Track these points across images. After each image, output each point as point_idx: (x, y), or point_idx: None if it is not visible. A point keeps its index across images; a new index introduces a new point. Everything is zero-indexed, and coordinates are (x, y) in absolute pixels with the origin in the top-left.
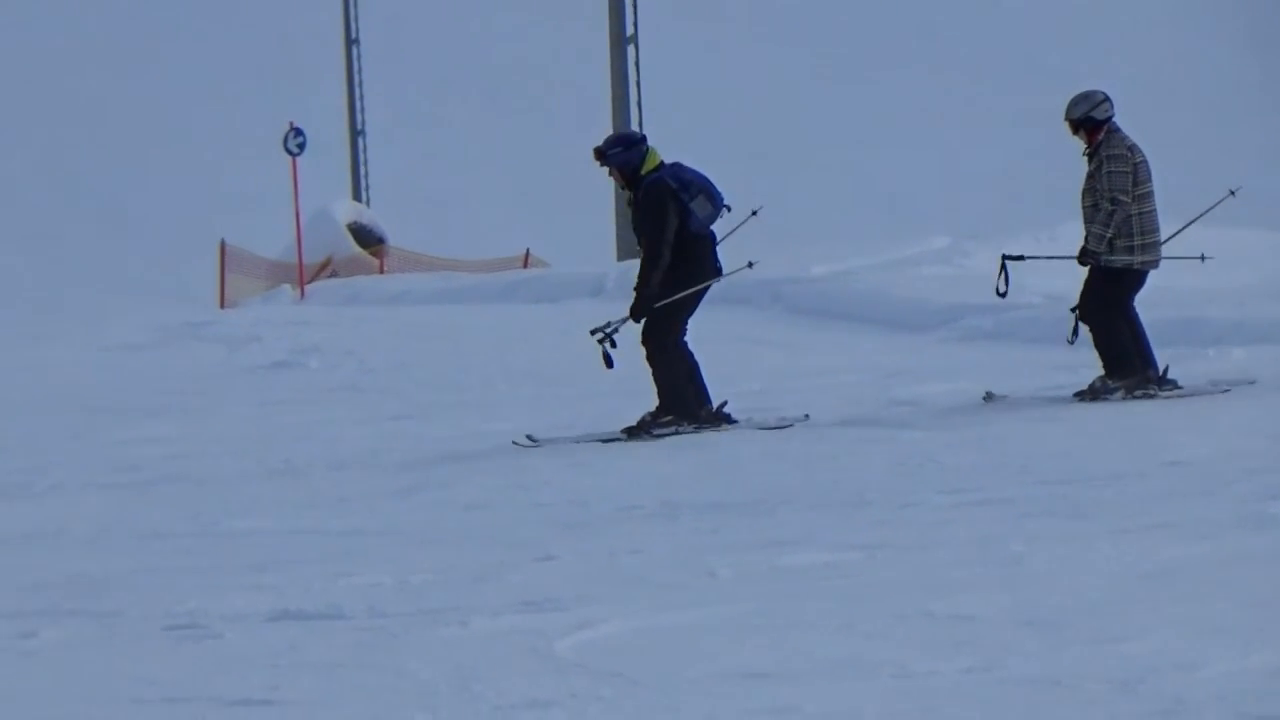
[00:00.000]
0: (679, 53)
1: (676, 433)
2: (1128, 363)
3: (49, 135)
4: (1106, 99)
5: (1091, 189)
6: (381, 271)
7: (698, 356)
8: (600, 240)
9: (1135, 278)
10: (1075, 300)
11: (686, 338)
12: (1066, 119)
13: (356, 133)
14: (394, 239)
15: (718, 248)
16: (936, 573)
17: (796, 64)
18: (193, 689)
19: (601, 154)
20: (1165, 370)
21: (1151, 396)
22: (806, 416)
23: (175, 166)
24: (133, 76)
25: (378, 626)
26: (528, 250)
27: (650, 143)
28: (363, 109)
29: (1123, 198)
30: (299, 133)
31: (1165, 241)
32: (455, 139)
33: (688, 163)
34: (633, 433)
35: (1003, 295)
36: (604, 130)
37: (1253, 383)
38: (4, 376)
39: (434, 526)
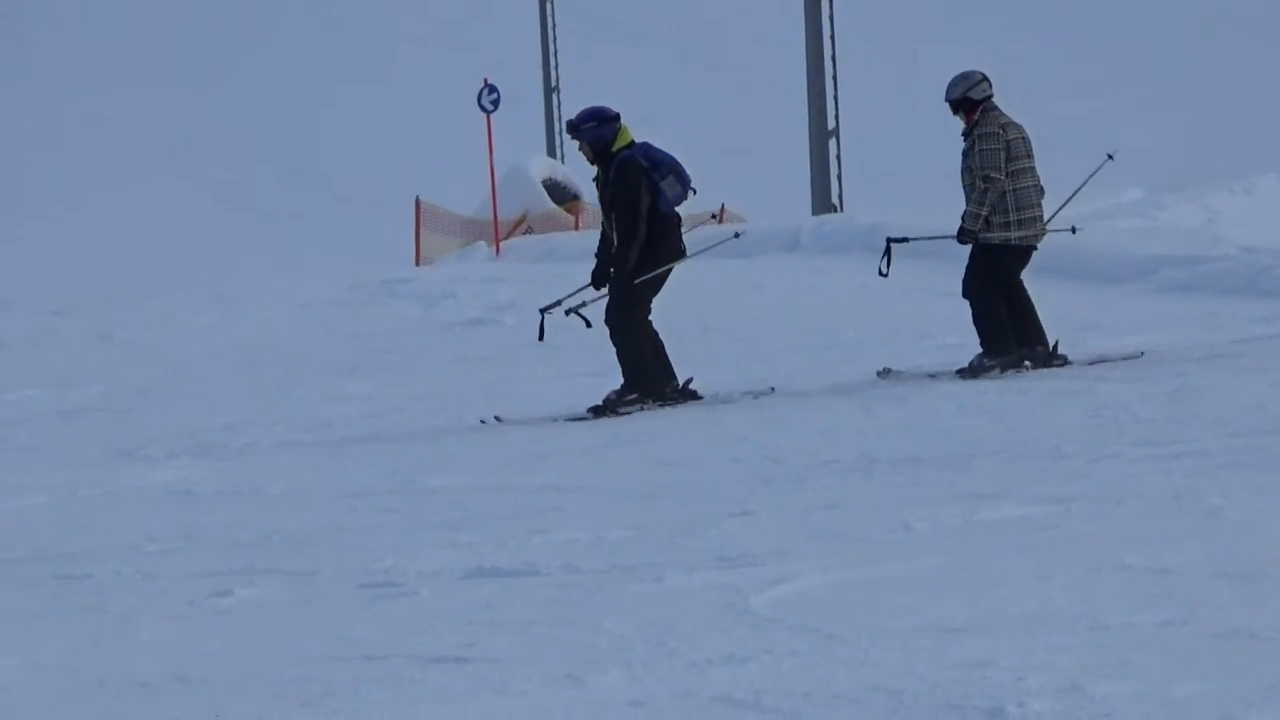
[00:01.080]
0: (876, 9)
1: (641, 410)
2: (1003, 340)
3: (247, 91)
4: (984, 79)
5: (968, 168)
6: (577, 228)
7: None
8: (795, 195)
9: (1015, 254)
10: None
11: (651, 316)
12: (946, 100)
13: (551, 89)
14: (588, 195)
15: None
16: (1132, 525)
17: (990, 11)
18: (389, 647)
19: (574, 127)
20: (1055, 345)
21: (1021, 370)
22: (772, 389)
23: (371, 124)
24: (330, 32)
25: (573, 583)
26: (723, 205)
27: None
28: (557, 65)
29: (994, 174)
30: (493, 89)
31: (1050, 218)
32: (649, 93)
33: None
34: (599, 411)
35: (884, 275)
36: (799, 85)
37: (1140, 355)
38: (202, 335)
39: (629, 482)
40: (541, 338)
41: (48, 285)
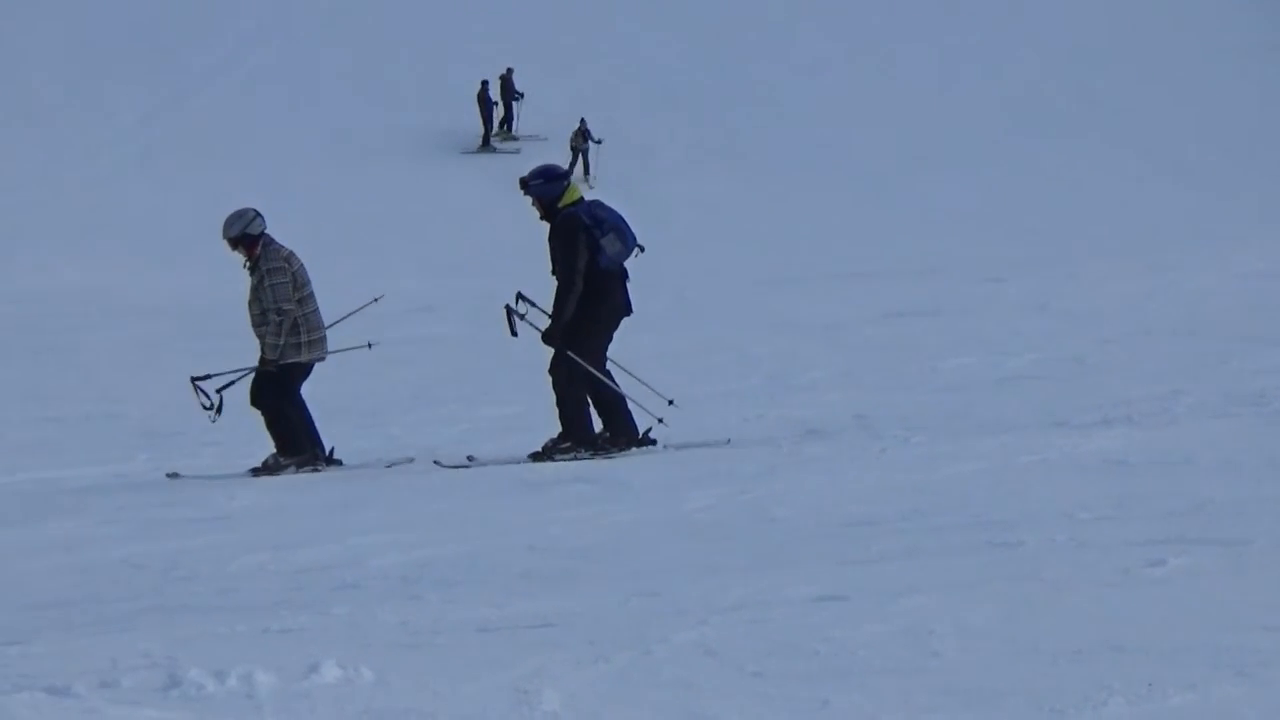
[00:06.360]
0: None
1: (575, 459)
2: (297, 441)
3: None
4: (258, 215)
5: (258, 299)
6: None
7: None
8: None
9: (303, 369)
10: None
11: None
12: (224, 238)
13: None
14: None
15: (627, 284)
16: None
17: None
18: None
19: (524, 184)
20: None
21: (318, 470)
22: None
23: None
24: None
25: None
26: None
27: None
28: None
29: (287, 306)
30: None
31: (330, 327)
32: None
33: None
34: (537, 458)
35: (215, 404)
36: None
37: (411, 460)
38: (1136, 304)
39: None
40: (514, 334)
41: (983, 250)
